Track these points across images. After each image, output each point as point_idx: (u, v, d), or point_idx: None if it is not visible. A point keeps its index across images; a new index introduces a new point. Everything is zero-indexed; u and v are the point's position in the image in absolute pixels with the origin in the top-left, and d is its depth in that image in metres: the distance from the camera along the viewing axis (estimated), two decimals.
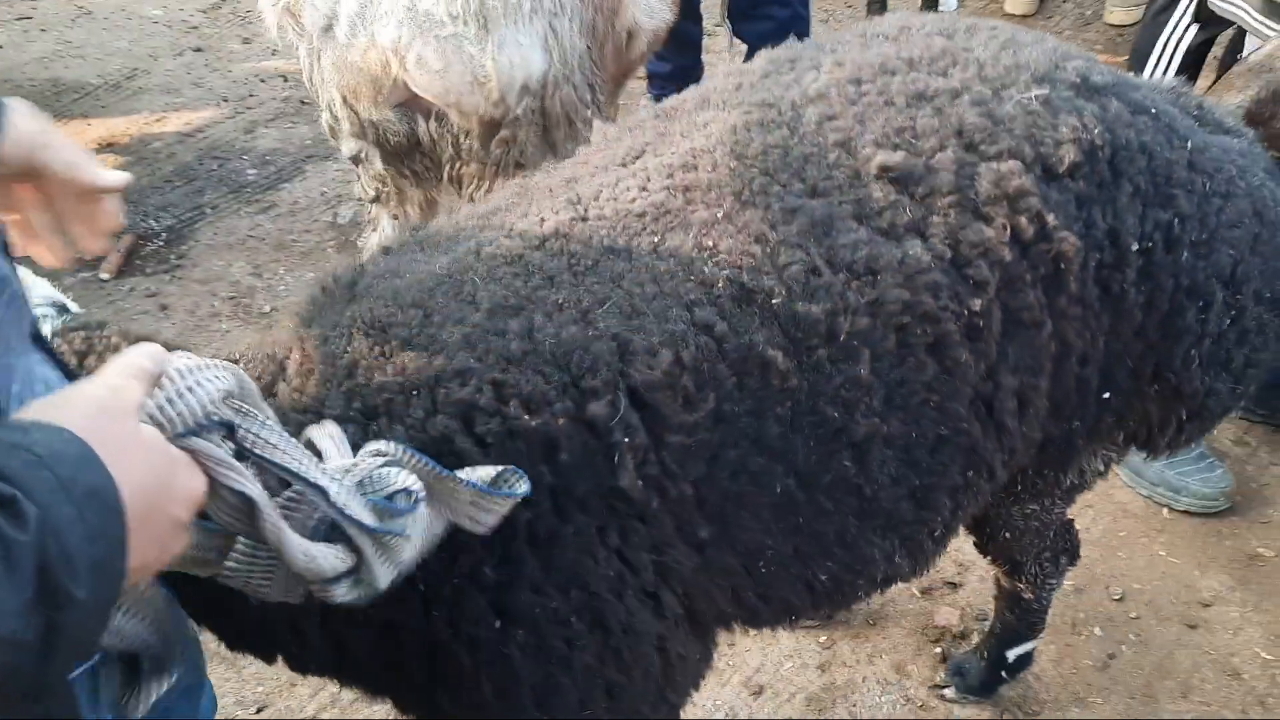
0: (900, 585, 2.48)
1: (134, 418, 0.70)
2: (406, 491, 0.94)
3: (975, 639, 2.30)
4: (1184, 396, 1.48)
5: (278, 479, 0.86)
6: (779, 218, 1.23)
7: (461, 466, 1.05)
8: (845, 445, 1.25)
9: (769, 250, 1.21)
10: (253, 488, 0.77)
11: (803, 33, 4.14)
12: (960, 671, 2.21)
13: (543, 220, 1.25)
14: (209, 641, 1.24)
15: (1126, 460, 2.55)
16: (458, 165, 2.69)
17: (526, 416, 1.09)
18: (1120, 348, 1.41)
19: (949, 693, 2.22)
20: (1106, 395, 1.44)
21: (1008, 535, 1.81)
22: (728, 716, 2.21)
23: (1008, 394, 1.33)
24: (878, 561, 1.37)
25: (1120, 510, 2.71)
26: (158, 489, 0.69)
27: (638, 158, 1.33)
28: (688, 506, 1.19)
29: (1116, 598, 2.47)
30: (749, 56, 4.04)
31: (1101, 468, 1.67)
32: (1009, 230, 1.27)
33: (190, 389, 0.74)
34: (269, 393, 1.12)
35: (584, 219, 1.24)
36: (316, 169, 4.10)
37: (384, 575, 0.94)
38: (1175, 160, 1.36)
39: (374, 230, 3.03)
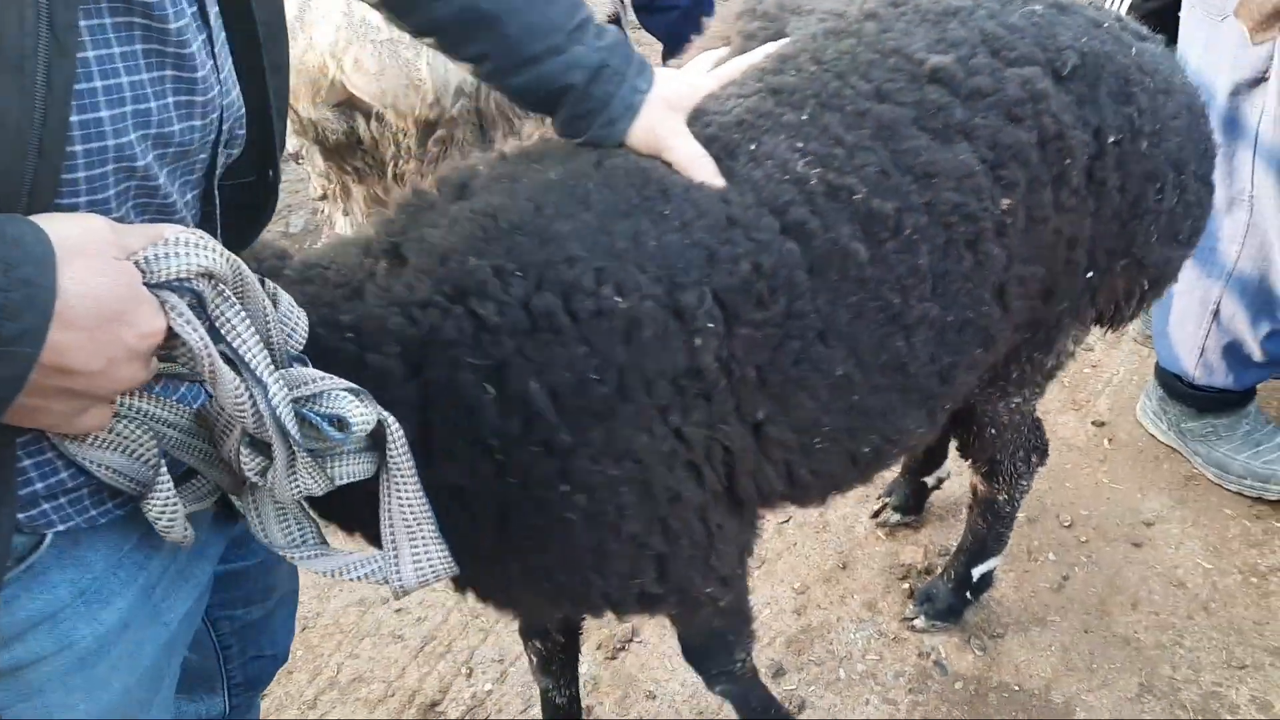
0: (866, 530, 2.63)
1: (119, 251, 0.81)
2: (342, 421, 0.98)
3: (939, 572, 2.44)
4: (1146, 268, 1.68)
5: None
6: (852, 121, 1.35)
7: (557, 342, 1.18)
8: (900, 328, 1.39)
9: (848, 151, 1.33)
10: (195, 336, 0.85)
11: (708, 14, 4.25)
12: (929, 598, 2.35)
13: None
14: None
15: (1209, 457, 2.70)
16: (400, 163, 2.77)
17: (618, 298, 1.21)
18: (1101, 230, 1.57)
19: (919, 623, 2.35)
20: (1090, 275, 1.62)
21: (993, 431, 1.94)
22: None
23: (1016, 281, 1.49)
24: (910, 431, 1.52)
25: (1064, 445, 2.87)
26: (113, 309, 0.79)
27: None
28: (750, 387, 1.32)
29: (1066, 525, 2.62)
30: (665, 52, 4.16)
31: (1072, 348, 1.84)
32: (1036, 132, 1.41)
33: (176, 254, 0.83)
34: (357, 294, 1.21)
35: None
36: None
37: (284, 487, 0.99)
38: (1129, 64, 1.53)
39: (330, 228, 3.10)
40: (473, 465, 1.21)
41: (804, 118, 1.35)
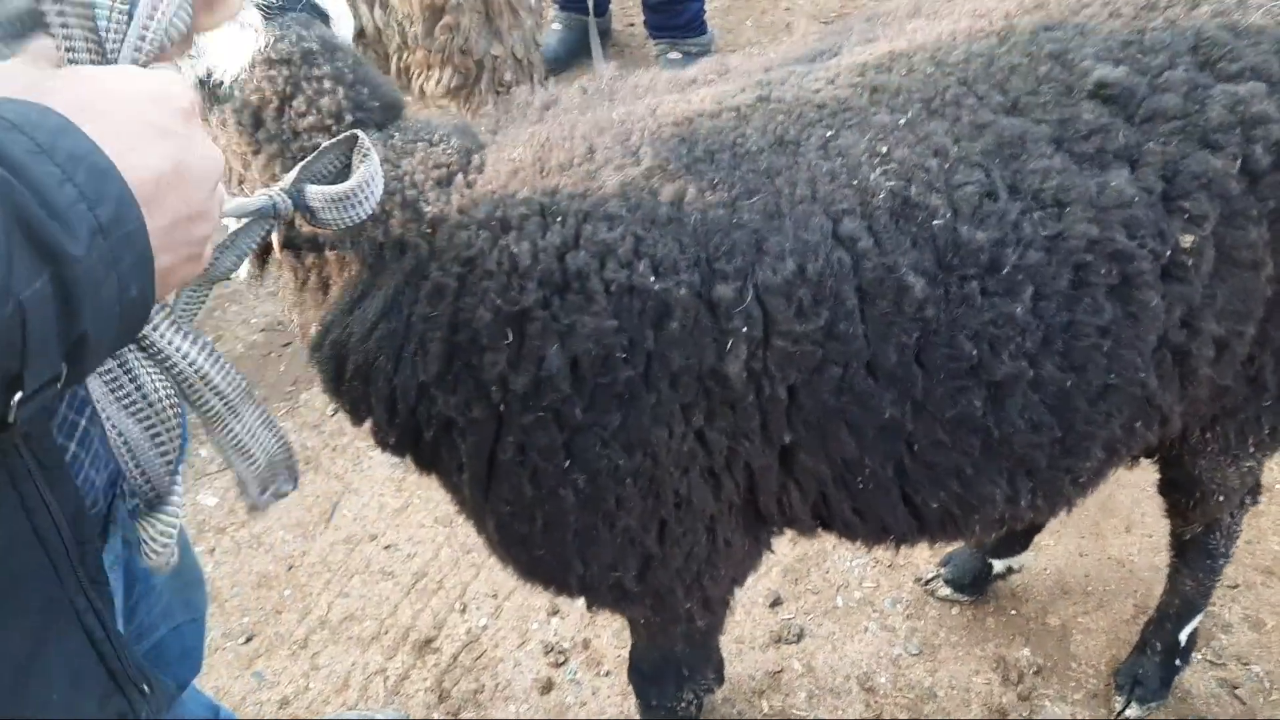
0: None
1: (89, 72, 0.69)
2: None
3: None
4: None
5: None
6: (965, 132, 1.14)
7: (588, 309, 1.09)
8: (979, 384, 1.17)
9: (946, 166, 1.13)
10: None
11: None
12: (1137, 681, 2.03)
13: (727, 94, 1.21)
14: None
15: None
16: (405, 55, 2.64)
17: (652, 278, 1.09)
18: None
19: (1131, 713, 2.02)
20: None
21: (1220, 499, 1.65)
22: None
23: (1206, 342, 1.22)
24: (997, 502, 1.29)
25: None
26: (173, 174, 0.67)
27: (835, 54, 1.28)
28: (778, 408, 1.17)
29: None
30: None
31: None
32: (1240, 161, 1.15)
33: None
34: (445, 181, 1.15)
35: (765, 99, 1.18)
36: None
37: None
38: None
39: None
40: (467, 405, 1.15)
41: (900, 121, 1.14)
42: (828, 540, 2.40)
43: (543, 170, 1.13)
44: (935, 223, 1.11)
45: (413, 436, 1.22)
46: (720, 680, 1.98)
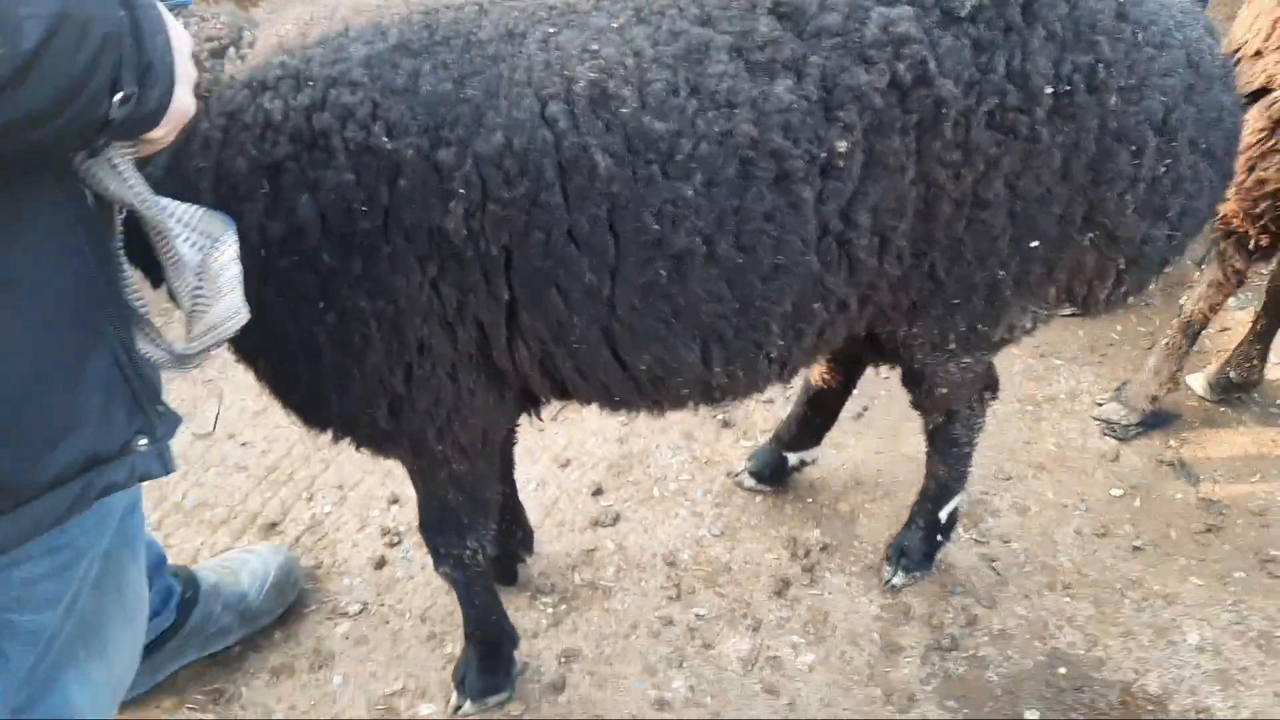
0: None
1: None
2: None
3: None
4: (1120, 242, 1.54)
5: None
6: (663, 38, 1.34)
7: (330, 163, 1.27)
8: (664, 255, 1.36)
9: (642, 65, 1.32)
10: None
11: None
12: (902, 553, 2.28)
13: None
14: None
15: None
16: None
17: (385, 139, 1.27)
18: (1041, 192, 1.45)
19: (898, 580, 2.27)
20: (1034, 244, 1.50)
21: (945, 390, 1.87)
22: (539, 486, 2.52)
23: (863, 233, 1.42)
24: (694, 365, 1.49)
25: None
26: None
27: None
28: (495, 266, 1.35)
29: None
30: None
31: (1029, 325, 1.71)
32: (888, 76, 1.33)
33: None
34: (219, 53, 1.35)
35: None
36: None
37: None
38: (1100, 9, 1.41)
39: None
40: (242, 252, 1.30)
41: (613, 25, 1.35)
42: (650, 440, 2.63)
43: (300, 43, 1.33)
44: (624, 111, 1.31)
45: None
46: (528, 548, 2.20)
